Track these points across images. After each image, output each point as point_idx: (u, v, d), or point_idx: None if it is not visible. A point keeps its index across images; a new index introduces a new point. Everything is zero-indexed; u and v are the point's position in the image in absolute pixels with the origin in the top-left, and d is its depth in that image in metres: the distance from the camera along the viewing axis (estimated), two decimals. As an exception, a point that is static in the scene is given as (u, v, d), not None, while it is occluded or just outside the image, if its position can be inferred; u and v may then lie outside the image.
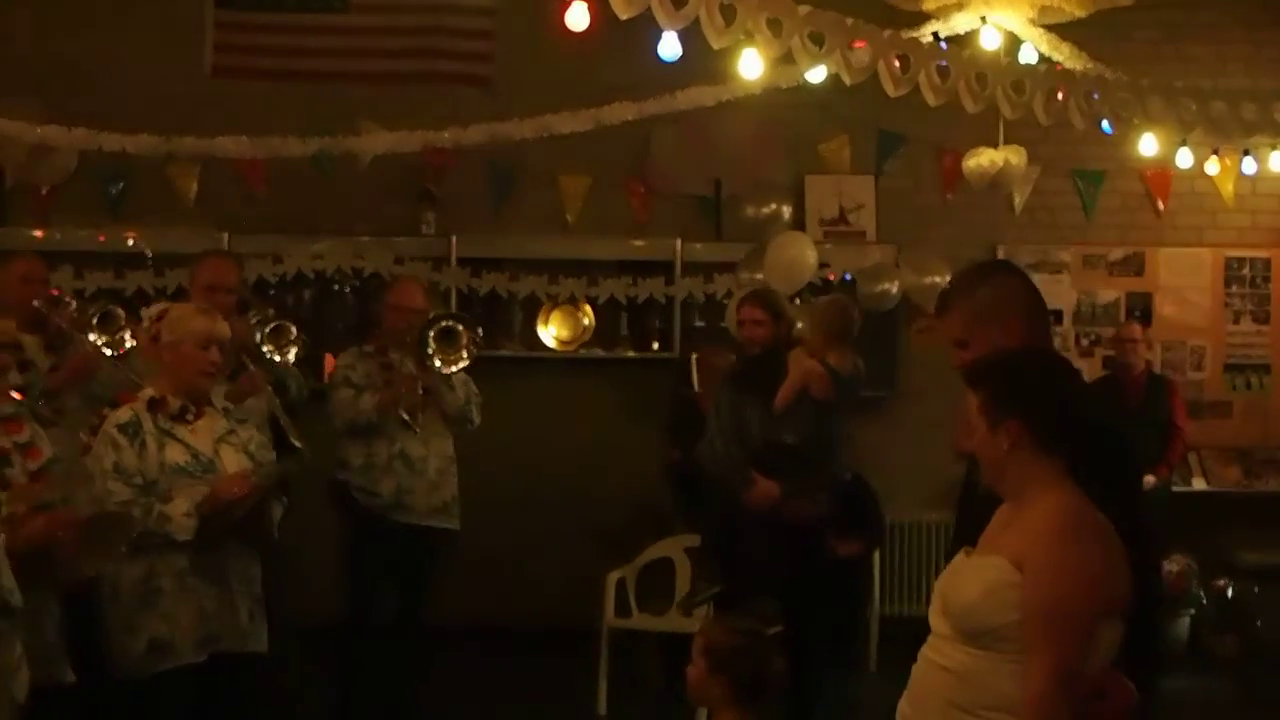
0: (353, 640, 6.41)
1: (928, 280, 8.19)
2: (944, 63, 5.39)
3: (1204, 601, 8.32)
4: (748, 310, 6.39)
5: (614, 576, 7.17)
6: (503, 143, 7.02)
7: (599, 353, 8.54)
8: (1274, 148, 7.53)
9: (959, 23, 6.27)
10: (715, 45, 4.75)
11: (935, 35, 6.16)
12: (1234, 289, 8.90)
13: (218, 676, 4.48)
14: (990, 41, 6.04)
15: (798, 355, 6.11)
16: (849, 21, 5.04)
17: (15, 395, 4.54)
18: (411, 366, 6.39)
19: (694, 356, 7.68)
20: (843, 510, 6.92)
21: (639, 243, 8.58)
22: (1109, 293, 8.87)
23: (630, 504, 8.12)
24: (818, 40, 4.98)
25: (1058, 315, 8.73)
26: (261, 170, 8.08)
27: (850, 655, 7.69)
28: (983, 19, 6.06)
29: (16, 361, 5.02)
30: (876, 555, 8.08)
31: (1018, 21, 6.25)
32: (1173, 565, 8.14)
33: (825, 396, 6.01)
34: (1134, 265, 8.89)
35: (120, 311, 6.02)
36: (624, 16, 4.48)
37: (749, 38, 4.80)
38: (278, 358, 6.15)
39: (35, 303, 5.94)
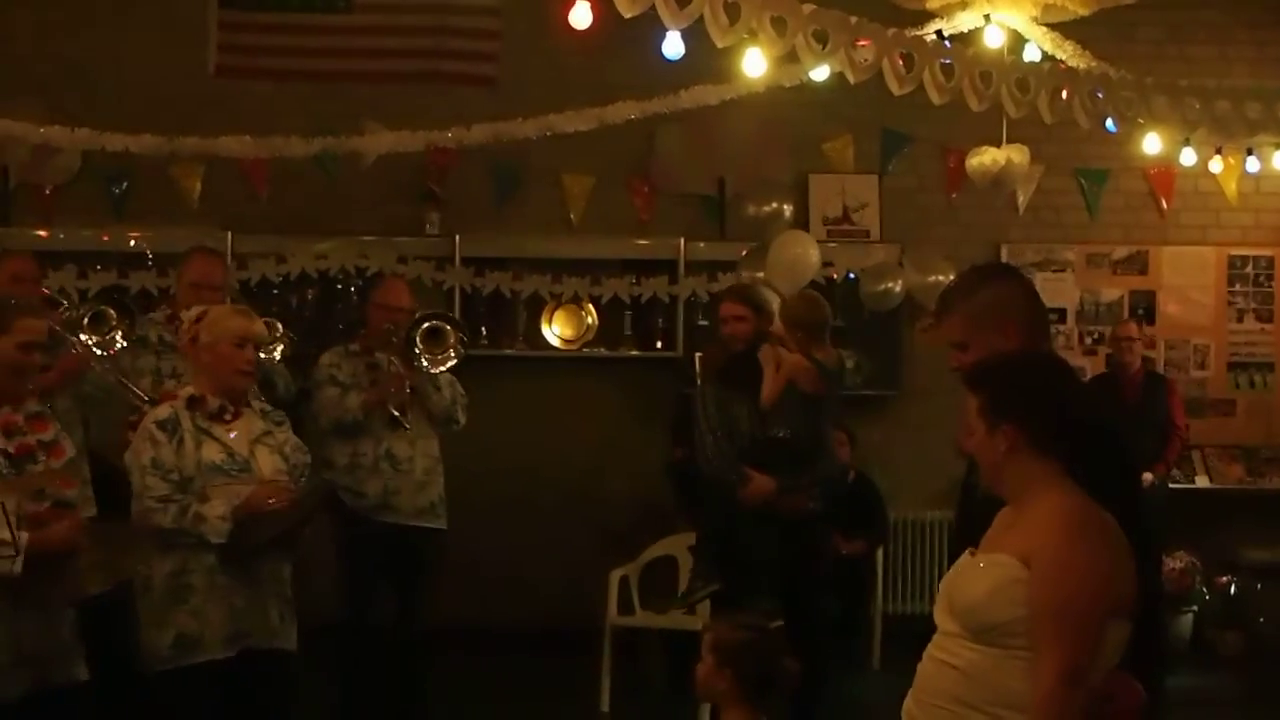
0: (351, 640, 6.41)
1: (931, 279, 8.19)
2: (948, 61, 5.38)
3: (1207, 599, 8.32)
4: (728, 306, 6.37)
5: (617, 574, 7.18)
6: (506, 142, 7.01)
7: (602, 352, 8.54)
8: (1277, 147, 7.51)
9: (962, 21, 6.26)
10: (719, 44, 4.75)
11: (939, 33, 6.16)
12: (1237, 287, 8.90)
13: (247, 673, 4.53)
14: (994, 40, 6.03)
15: (767, 351, 6.09)
16: (853, 20, 5.03)
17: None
18: (399, 365, 6.37)
19: (697, 355, 7.69)
20: (846, 508, 6.94)
21: (642, 242, 8.58)
22: (1112, 291, 8.88)
23: (633, 502, 8.14)
24: (822, 39, 4.97)
25: (1061, 314, 8.74)
26: (265, 170, 8.09)
27: (853, 653, 7.71)
28: (986, 17, 6.05)
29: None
30: (880, 553, 8.10)
31: (1021, 20, 6.24)
32: (1176, 563, 8.15)
33: (813, 390, 6.00)
34: (1138, 264, 8.90)
35: (112, 312, 6.02)
36: (628, 15, 4.48)
37: (753, 36, 4.79)
38: (263, 355, 6.14)
39: None
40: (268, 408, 4.94)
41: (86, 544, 4.23)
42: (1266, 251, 8.91)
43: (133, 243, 8.21)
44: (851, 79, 5.18)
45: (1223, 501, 8.62)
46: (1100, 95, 5.91)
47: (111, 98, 7.96)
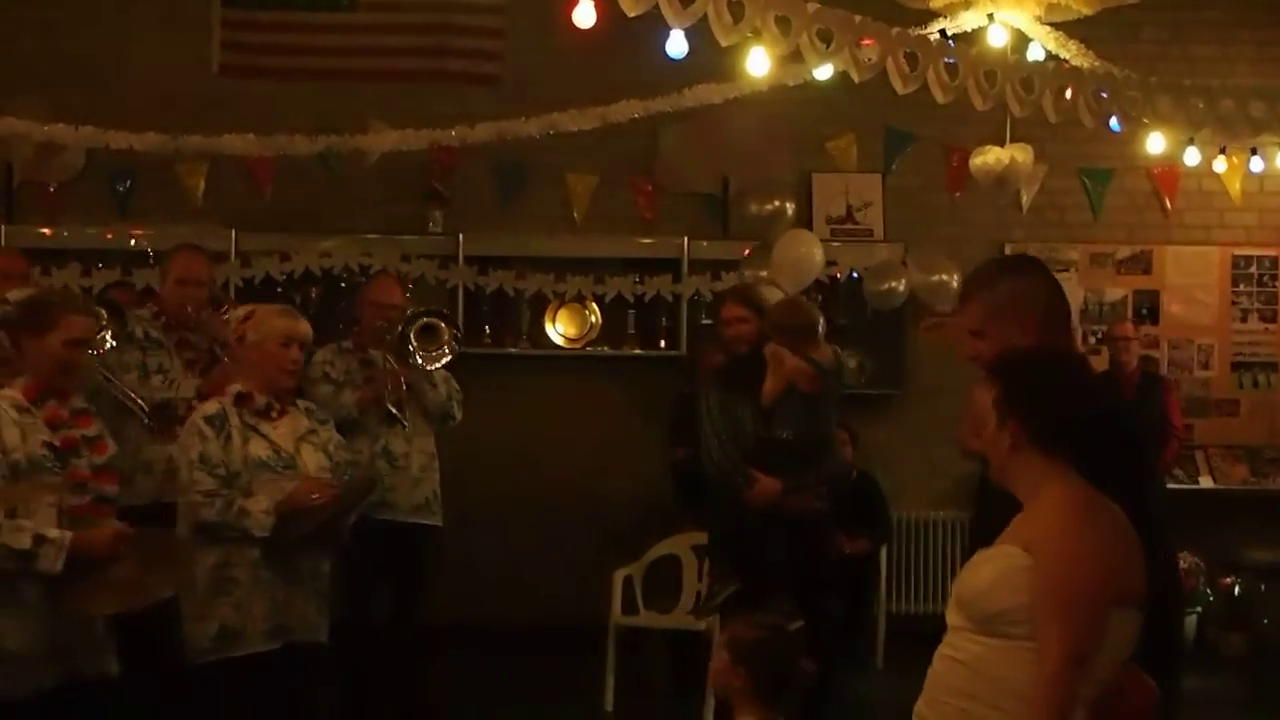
0: (349, 639, 6.40)
1: (935, 278, 8.19)
2: (952, 60, 5.37)
3: (1210, 599, 8.32)
4: (730, 309, 6.36)
5: (621, 574, 7.17)
6: (510, 141, 7.01)
7: (606, 350, 8.54)
8: (1282, 146, 7.52)
9: (966, 20, 6.25)
10: (723, 43, 4.74)
11: (943, 33, 6.15)
12: (1241, 287, 8.90)
13: (286, 666, 4.64)
14: (997, 39, 6.03)
15: (772, 350, 6.09)
16: (857, 19, 5.03)
17: None
18: (392, 362, 6.36)
19: (693, 356, 7.71)
20: (848, 507, 6.93)
21: (646, 241, 8.58)
22: (1116, 291, 8.87)
23: (637, 502, 8.14)
24: (826, 38, 4.96)
25: (1064, 314, 8.72)
26: (269, 168, 8.10)
27: (857, 653, 7.70)
28: (990, 17, 6.05)
29: None
30: (884, 553, 8.09)
31: (1025, 19, 6.23)
32: (1179, 563, 8.13)
33: (812, 390, 6.00)
34: (1141, 263, 8.89)
35: (103, 312, 6.01)
36: (632, 14, 4.47)
37: (757, 35, 4.79)
38: None
39: None
40: (312, 406, 5.05)
41: (125, 556, 4.26)
42: (1270, 251, 8.90)
43: (135, 241, 8.20)
44: (855, 78, 5.17)
45: (1226, 502, 8.61)
46: (1105, 94, 5.90)
47: (116, 96, 7.97)
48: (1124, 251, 8.88)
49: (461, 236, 8.35)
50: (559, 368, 8.58)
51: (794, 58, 5.12)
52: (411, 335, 6.37)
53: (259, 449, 4.65)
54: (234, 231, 8.17)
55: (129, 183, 8.37)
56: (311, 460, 4.75)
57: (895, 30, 5.23)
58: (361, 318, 6.60)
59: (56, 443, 4.27)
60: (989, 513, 3.07)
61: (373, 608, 6.41)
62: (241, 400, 4.71)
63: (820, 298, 7.96)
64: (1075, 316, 8.82)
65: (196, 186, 8.39)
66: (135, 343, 6.06)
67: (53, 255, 8.03)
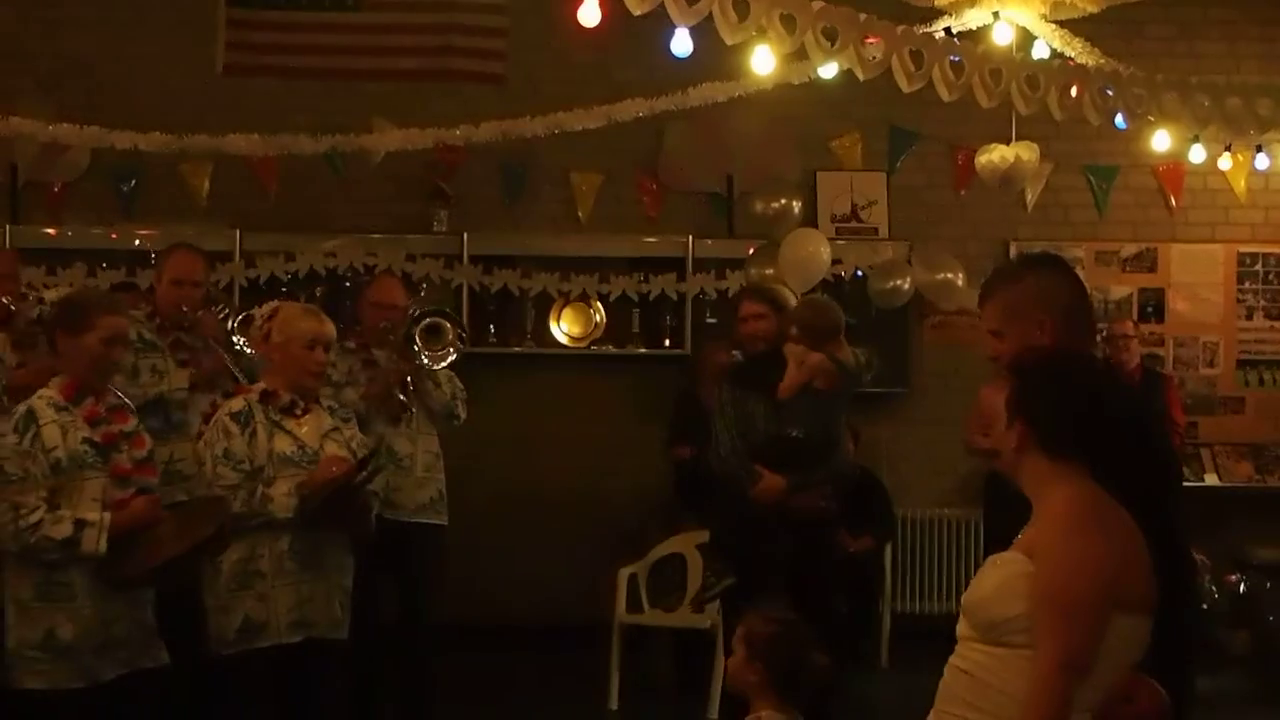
0: (357, 638, 6.39)
1: (940, 277, 8.18)
2: (957, 58, 5.37)
3: (1216, 597, 8.30)
4: (748, 305, 6.36)
5: (625, 572, 7.17)
6: (515, 140, 7.01)
7: (610, 349, 8.54)
8: (1287, 144, 7.51)
9: (971, 18, 6.24)
10: (728, 41, 4.74)
11: (947, 30, 6.15)
12: (1247, 285, 8.88)
13: (308, 660, 4.73)
14: (1003, 37, 6.02)
15: (792, 347, 6.08)
16: (862, 17, 5.02)
17: None
18: (396, 362, 6.36)
19: (699, 355, 7.71)
20: (853, 506, 6.92)
21: (651, 239, 8.58)
22: (1121, 289, 8.86)
23: (641, 500, 8.13)
24: (831, 36, 4.96)
25: (1069, 312, 8.71)
26: (273, 168, 8.10)
27: (862, 652, 7.70)
28: (995, 14, 6.04)
29: None
30: (888, 551, 8.08)
31: (1030, 17, 6.23)
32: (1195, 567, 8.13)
33: (830, 387, 5.99)
34: (1146, 261, 8.88)
35: None
36: (637, 12, 4.47)
37: (762, 33, 4.78)
38: (250, 350, 6.12)
39: (4, 299, 5.89)
40: (335, 405, 5.12)
41: (163, 516, 4.47)
42: (1276, 249, 8.89)
43: (140, 241, 8.20)
44: (860, 76, 5.16)
45: (1231, 500, 8.59)
46: (1110, 92, 5.89)
47: (120, 96, 7.98)
48: (1129, 249, 8.87)
49: (466, 236, 8.35)
50: (564, 367, 8.58)
51: (799, 56, 5.12)
52: (416, 334, 6.37)
53: (284, 444, 4.75)
54: (238, 231, 8.18)
55: (133, 182, 8.38)
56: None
57: (900, 28, 5.23)
58: (363, 318, 6.60)
59: (97, 438, 4.41)
60: (998, 515, 3.06)
61: (377, 607, 6.39)
62: (266, 397, 4.80)
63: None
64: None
65: (201, 186, 8.40)
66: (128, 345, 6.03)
67: (57, 255, 8.05)
